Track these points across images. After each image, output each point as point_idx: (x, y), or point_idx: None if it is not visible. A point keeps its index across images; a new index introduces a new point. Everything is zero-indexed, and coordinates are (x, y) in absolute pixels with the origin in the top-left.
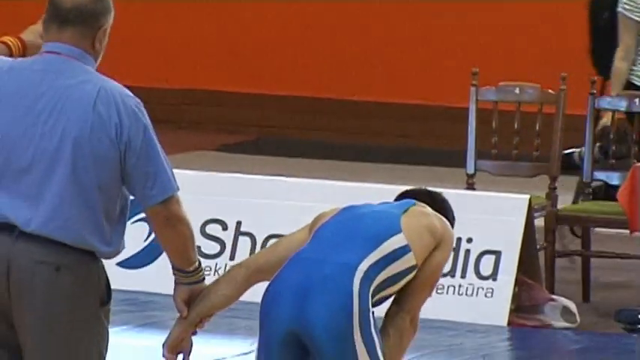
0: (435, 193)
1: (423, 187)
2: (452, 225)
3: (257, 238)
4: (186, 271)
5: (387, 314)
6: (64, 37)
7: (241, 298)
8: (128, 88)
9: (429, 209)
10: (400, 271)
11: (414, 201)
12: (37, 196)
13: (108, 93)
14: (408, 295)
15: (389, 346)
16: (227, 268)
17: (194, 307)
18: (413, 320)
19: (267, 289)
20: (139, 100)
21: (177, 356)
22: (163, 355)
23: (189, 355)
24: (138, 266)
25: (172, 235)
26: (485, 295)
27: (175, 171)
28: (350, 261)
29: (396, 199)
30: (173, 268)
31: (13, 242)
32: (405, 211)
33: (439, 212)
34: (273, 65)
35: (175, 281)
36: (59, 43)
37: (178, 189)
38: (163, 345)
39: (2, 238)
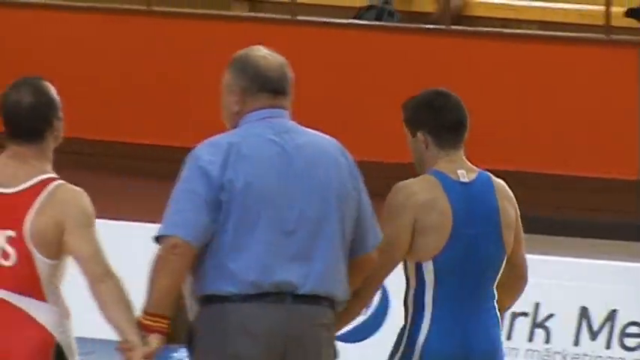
0: None
1: None
2: None
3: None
4: None
5: None
6: (276, 102)
7: None
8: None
9: None
10: None
11: None
12: (307, 255)
13: (336, 145)
14: None
15: None
16: None
17: None
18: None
19: None
20: None
21: None
22: None
23: None
24: (357, 340)
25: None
26: None
27: None
28: None
29: None
30: None
31: (289, 306)
32: None
33: None
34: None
35: None
36: (277, 109)
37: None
38: None
39: (276, 304)
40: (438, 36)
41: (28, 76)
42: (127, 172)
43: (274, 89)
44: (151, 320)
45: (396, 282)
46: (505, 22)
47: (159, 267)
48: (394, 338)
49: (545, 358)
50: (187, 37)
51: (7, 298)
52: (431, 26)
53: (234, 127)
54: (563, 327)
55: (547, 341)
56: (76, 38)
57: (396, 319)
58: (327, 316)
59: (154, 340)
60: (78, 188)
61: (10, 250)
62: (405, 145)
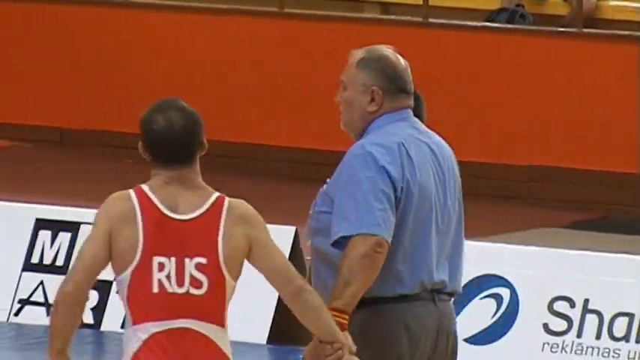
0: None
1: None
2: None
3: (604, 316)
4: None
5: None
6: (410, 103)
7: None
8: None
9: None
10: None
11: None
12: (451, 254)
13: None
14: None
15: None
16: (574, 345)
17: None
18: None
19: None
20: None
21: None
22: None
23: None
24: (485, 342)
25: None
26: None
27: (522, 247)
28: None
29: None
30: None
31: (440, 304)
32: None
33: None
34: (619, 142)
35: None
36: (410, 110)
37: None
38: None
39: (432, 302)
40: (570, 39)
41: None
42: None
43: (410, 90)
44: (341, 318)
45: (524, 282)
46: (637, 25)
47: (365, 264)
48: (524, 339)
49: None
50: (321, 39)
51: (197, 328)
52: (563, 29)
53: (364, 128)
54: None
55: None
56: (222, 42)
57: (526, 319)
58: (454, 310)
59: (348, 337)
60: (241, 200)
61: (201, 277)
62: (550, 146)
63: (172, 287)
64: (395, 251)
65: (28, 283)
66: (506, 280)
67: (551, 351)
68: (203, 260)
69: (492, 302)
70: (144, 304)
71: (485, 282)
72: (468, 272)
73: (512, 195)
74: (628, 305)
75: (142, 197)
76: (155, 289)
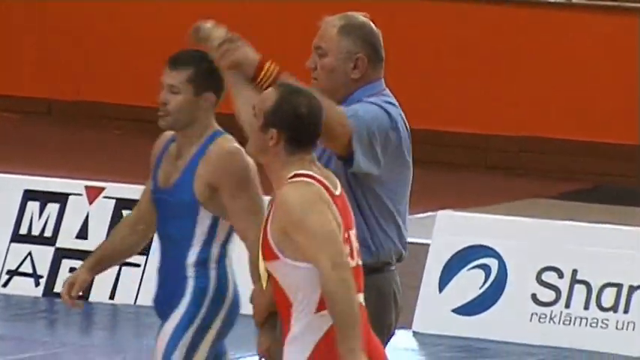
0: None
1: None
2: None
3: (592, 286)
4: None
5: None
6: (382, 73)
7: None
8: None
9: None
10: None
11: None
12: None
13: None
14: None
15: None
16: (562, 315)
17: None
18: None
19: None
20: None
21: None
22: None
23: None
24: (473, 313)
25: None
26: None
27: (510, 218)
28: None
29: None
30: None
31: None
32: None
33: None
34: (610, 113)
35: None
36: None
37: None
38: None
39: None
40: (568, 10)
41: None
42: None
43: (384, 60)
44: None
45: (513, 255)
46: None
47: None
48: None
49: None
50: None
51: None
52: (562, 0)
53: (347, 95)
54: None
55: None
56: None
57: (514, 289)
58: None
59: None
60: None
61: (359, 249)
62: (541, 117)
63: (354, 260)
64: (402, 214)
65: (17, 254)
66: (494, 251)
67: (540, 321)
68: (355, 232)
69: (480, 273)
70: None
71: (473, 253)
72: (456, 243)
73: (502, 165)
74: (616, 276)
75: (318, 181)
76: (352, 264)
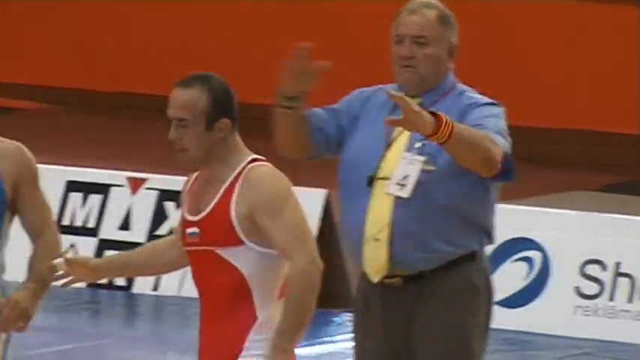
0: None
1: None
2: None
3: (635, 278)
4: None
5: None
6: None
7: None
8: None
9: None
10: None
11: None
12: None
13: None
14: None
15: None
16: (606, 309)
17: None
18: None
19: None
20: None
21: None
22: None
23: None
24: (516, 306)
25: None
26: None
27: (554, 210)
28: None
29: None
30: None
31: None
32: None
33: None
34: None
35: None
36: None
37: None
38: None
39: None
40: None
41: None
42: None
43: None
44: None
45: (556, 248)
46: None
47: None
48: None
49: None
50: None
51: None
52: None
53: (437, 84)
54: None
55: None
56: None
57: (557, 282)
58: None
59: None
60: None
61: None
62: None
63: None
64: (493, 204)
65: None
66: (537, 244)
67: (583, 314)
68: None
69: (524, 265)
70: None
71: (516, 245)
72: (499, 235)
73: (544, 158)
74: None
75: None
76: None
